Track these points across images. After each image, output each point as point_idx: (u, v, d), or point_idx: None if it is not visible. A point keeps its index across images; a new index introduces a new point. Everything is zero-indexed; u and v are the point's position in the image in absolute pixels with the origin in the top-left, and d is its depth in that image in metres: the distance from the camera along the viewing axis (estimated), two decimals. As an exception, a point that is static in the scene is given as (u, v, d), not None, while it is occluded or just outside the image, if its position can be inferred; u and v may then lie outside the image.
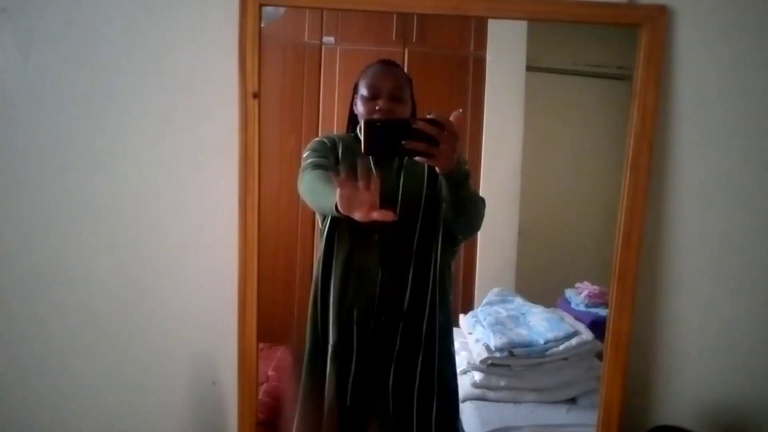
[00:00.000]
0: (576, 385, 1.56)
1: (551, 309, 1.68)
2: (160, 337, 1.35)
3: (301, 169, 1.37)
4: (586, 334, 1.56)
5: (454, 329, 1.58)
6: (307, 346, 1.44)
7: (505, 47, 1.59)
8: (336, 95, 1.60)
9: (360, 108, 1.43)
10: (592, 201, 1.64)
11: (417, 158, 1.20)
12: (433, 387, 1.42)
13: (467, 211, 1.36)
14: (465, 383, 1.55)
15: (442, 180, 1.27)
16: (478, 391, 1.55)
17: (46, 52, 1.27)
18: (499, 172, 1.61)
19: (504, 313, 1.64)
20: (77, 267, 1.33)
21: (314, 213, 1.49)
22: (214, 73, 1.27)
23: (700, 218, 1.33)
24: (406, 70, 1.51)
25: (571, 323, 1.61)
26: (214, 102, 1.28)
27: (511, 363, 1.55)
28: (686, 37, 1.28)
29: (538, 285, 1.70)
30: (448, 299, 1.44)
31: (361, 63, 1.47)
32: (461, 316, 1.68)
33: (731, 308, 1.36)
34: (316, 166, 1.35)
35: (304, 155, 1.40)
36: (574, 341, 1.55)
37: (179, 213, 1.32)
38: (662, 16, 1.26)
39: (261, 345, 1.42)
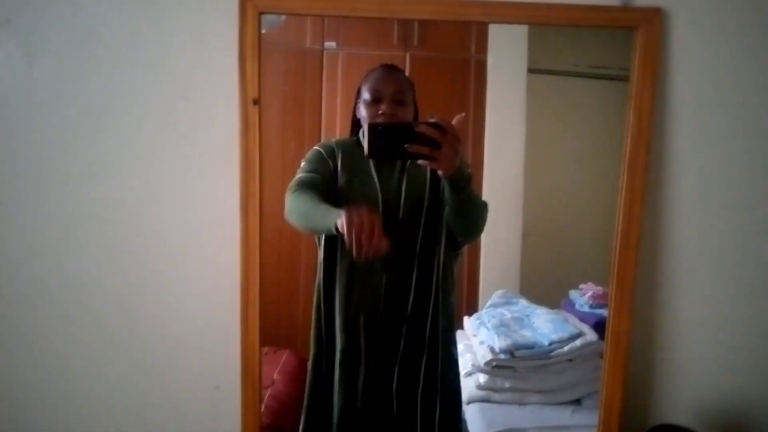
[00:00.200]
0: (581, 386, 1.56)
1: (555, 310, 1.68)
2: (162, 341, 1.35)
3: (289, 186, 1.36)
4: (591, 335, 1.56)
5: (459, 331, 1.58)
6: (312, 351, 1.44)
7: (506, 50, 1.59)
8: (338, 99, 1.61)
9: (363, 112, 1.43)
10: (596, 202, 1.63)
11: (419, 161, 1.21)
12: (436, 388, 1.43)
13: (469, 214, 1.36)
14: (470, 385, 1.55)
15: (444, 183, 1.27)
16: (482, 393, 1.55)
17: (50, 60, 1.28)
18: (501, 174, 1.61)
19: (508, 315, 1.64)
20: (80, 272, 1.33)
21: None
22: (214, 79, 1.28)
23: (697, 218, 1.34)
24: (407, 73, 1.51)
25: (575, 324, 1.60)
26: (215, 108, 1.28)
27: (515, 365, 1.55)
28: (681, 39, 1.28)
29: (542, 286, 1.70)
30: (450, 301, 1.44)
31: (363, 67, 1.47)
32: (465, 318, 1.68)
33: (731, 308, 1.36)
34: (301, 184, 1.35)
35: (301, 165, 1.41)
36: (578, 342, 1.55)
37: (181, 218, 1.32)
38: (657, 19, 1.26)
39: (265, 349, 1.43)
